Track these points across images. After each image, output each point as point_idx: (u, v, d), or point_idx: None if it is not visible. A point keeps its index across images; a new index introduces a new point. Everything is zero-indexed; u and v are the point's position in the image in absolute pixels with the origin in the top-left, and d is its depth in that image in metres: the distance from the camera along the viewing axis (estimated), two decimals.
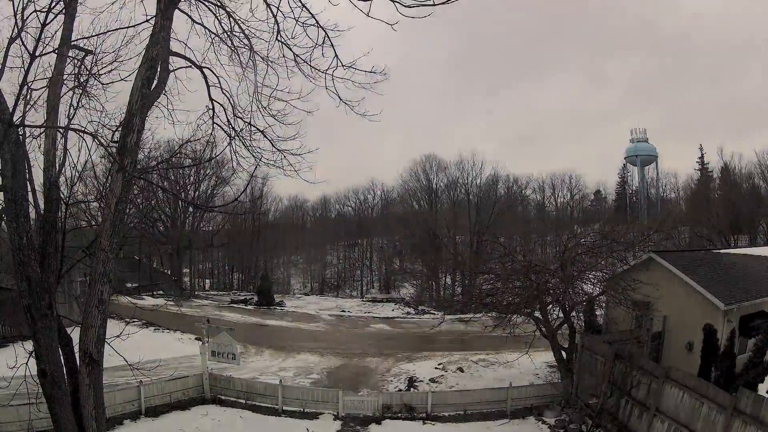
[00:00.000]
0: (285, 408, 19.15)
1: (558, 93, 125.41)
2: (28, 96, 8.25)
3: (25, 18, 7.23)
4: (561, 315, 20.61)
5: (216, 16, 9.01)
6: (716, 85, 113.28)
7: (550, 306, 20.57)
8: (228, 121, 9.70)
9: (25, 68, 7.70)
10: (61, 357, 8.20)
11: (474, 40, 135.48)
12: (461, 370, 24.97)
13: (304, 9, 8.16)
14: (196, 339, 20.40)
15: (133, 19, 8.76)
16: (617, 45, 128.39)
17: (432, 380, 23.30)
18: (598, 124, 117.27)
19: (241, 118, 9.67)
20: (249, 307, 45.13)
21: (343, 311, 44.90)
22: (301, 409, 19.09)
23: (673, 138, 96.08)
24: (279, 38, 8.73)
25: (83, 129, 8.65)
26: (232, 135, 9.65)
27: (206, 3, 8.85)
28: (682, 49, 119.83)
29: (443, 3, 6.93)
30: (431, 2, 6.94)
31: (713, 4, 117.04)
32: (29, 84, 8.07)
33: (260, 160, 9.64)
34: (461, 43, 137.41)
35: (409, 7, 7.00)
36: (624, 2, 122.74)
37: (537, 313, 20.92)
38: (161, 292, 47.87)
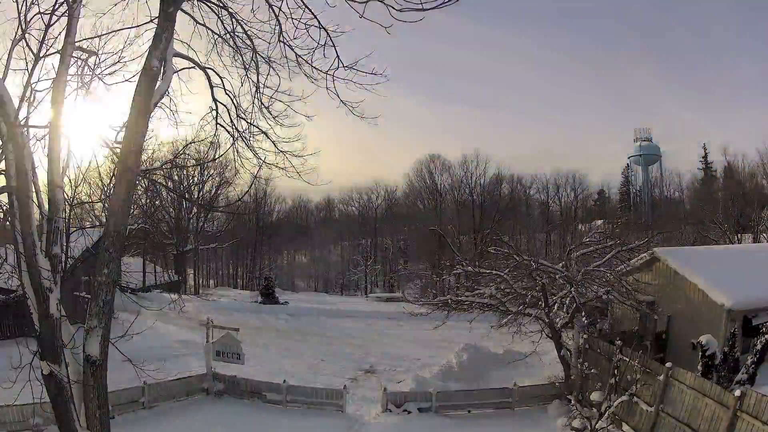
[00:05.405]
0: (289, 406, 19.21)
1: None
2: (32, 97, 8.29)
3: (28, 20, 7.27)
4: (566, 314, 20.56)
5: (219, 17, 9.03)
6: (719, 83, 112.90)
7: (555, 305, 20.54)
8: (231, 122, 9.74)
9: (29, 69, 7.73)
10: (65, 357, 8.23)
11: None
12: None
13: (306, 10, 8.18)
14: (200, 339, 20.48)
15: (136, 20, 8.80)
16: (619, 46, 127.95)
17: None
18: (601, 123, 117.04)
19: (244, 119, 9.71)
20: (253, 306, 45.20)
21: None
22: (306, 407, 19.16)
23: (677, 137, 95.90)
24: (281, 39, 8.74)
25: (87, 130, 8.71)
26: (236, 136, 9.69)
27: (209, 4, 8.87)
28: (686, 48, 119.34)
29: (434, 8, 6.87)
30: (421, 6, 6.89)
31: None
32: (33, 85, 8.11)
33: (263, 161, 9.68)
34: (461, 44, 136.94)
35: (400, 11, 6.97)
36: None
37: (541, 313, 20.86)
38: (165, 292, 47.96)
